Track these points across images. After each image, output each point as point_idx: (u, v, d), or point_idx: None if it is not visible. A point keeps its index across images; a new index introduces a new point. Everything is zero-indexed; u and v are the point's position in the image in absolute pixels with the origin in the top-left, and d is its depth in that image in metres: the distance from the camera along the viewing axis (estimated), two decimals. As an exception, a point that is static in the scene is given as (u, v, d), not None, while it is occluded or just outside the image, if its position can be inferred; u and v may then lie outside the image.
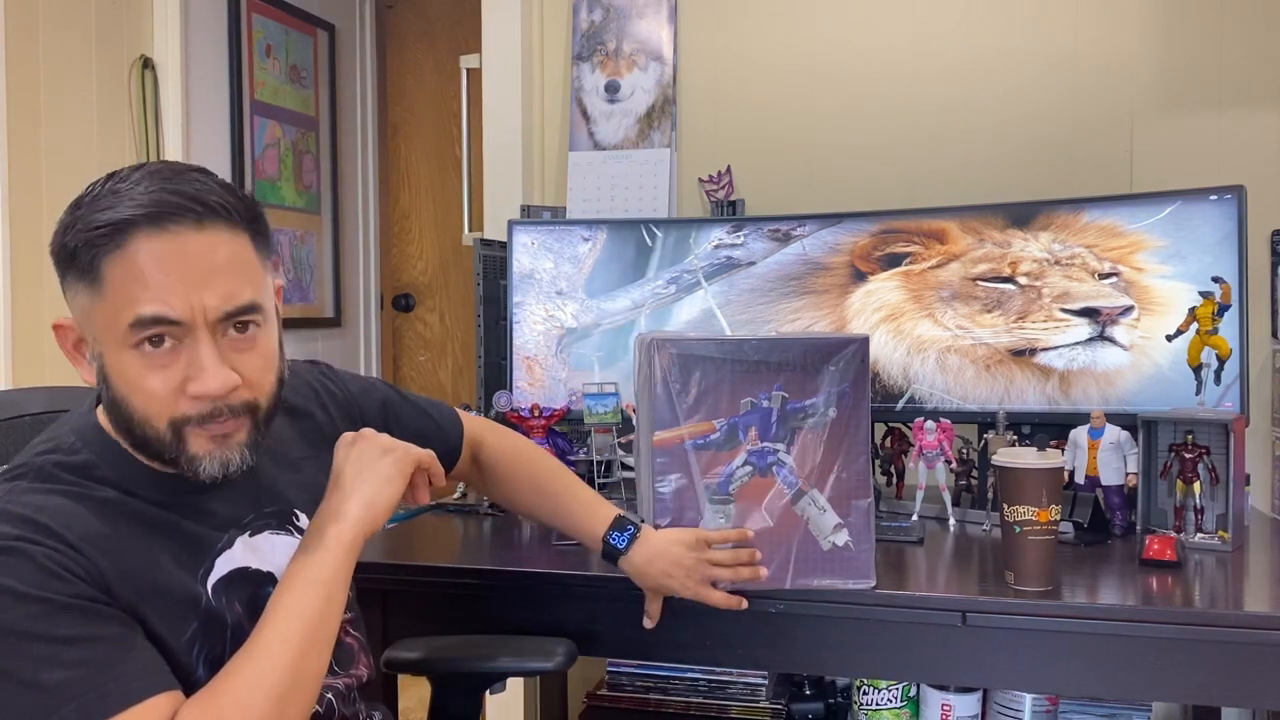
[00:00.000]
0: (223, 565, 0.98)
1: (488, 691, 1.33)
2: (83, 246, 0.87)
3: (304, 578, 0.94)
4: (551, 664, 1.27)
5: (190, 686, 0.90)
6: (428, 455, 1.05)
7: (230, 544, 1.00)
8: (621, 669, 2.01)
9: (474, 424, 1.34)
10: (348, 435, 1.04)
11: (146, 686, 0.84)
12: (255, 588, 1.00)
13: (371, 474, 0.99)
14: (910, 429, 1.66)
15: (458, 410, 1.34)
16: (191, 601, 0.94)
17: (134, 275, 0.86)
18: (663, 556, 1.22)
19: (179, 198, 0.87)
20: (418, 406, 1.29)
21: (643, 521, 1.25)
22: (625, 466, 1.65)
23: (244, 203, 0.93)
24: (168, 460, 0.92)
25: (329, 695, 1.05)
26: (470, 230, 2.66)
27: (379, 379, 1.35)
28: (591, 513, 1.26)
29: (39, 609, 0.82)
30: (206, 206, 0.88)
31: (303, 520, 1.07)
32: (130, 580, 0.89)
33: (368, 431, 1.04)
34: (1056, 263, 1.64)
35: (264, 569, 1.01)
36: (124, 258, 0.86)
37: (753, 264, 1.82)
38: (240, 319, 0.91)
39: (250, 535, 1.01)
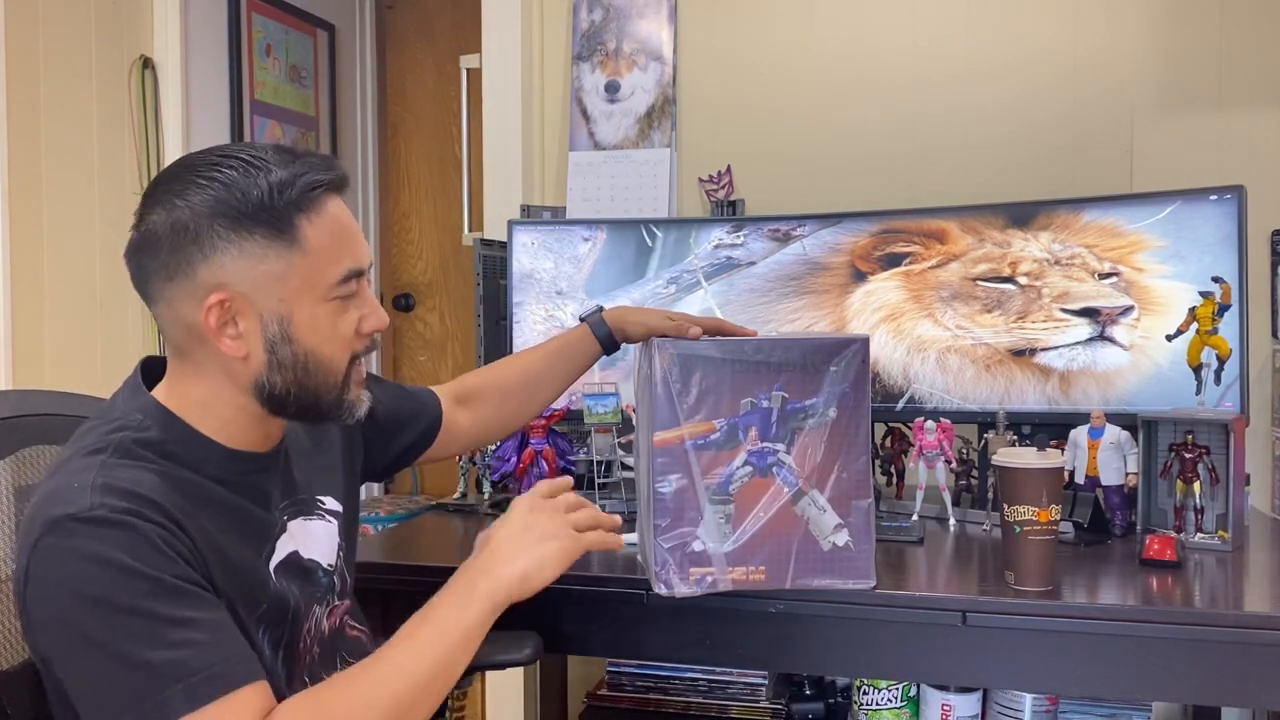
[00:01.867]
0: (282, 548, 1.01)
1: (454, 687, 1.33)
2: (285, 207, 0.92)
3: (446, 621, 0.95)
4: (520, 656, 1.27)
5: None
6: (598, 540, 1.07)
7: (284, 528, 1.02)
8: (621, 669, 2.01)
9: (446, 386, 1.39)
10: (524, 501, 1.06)
11: (249, 673, 0.85)
12: (306, 573, 1.03)
13: (541, 549, 1.02)
14: (910, 429, 1.66)
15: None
16: (261, 583, 0.97)
17: (334, 232, 0.96)
18: (631, 309, 1.40)
19: (336, 167, 0.97)
20: (394, 387, 1.32)
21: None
22: (625, 466, 1.65)
23: None
24: (326, 407, 0.99)
25: None
26: (470, 230, 2.66)
27: None
28: (572, 334, 1.40)
29: (148, 586, 0.83)
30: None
31: (328, 503, 1.11)
32: (219, 558, 0.91)
33: (555, 502, 1.07)
34: (1056, 263, 1.64)
35: (308, 555, 1.04)
36: (323, 217, 0.95)
37: (753, 264, 1.82)
38: None
39: (288, 520, 1.04)
